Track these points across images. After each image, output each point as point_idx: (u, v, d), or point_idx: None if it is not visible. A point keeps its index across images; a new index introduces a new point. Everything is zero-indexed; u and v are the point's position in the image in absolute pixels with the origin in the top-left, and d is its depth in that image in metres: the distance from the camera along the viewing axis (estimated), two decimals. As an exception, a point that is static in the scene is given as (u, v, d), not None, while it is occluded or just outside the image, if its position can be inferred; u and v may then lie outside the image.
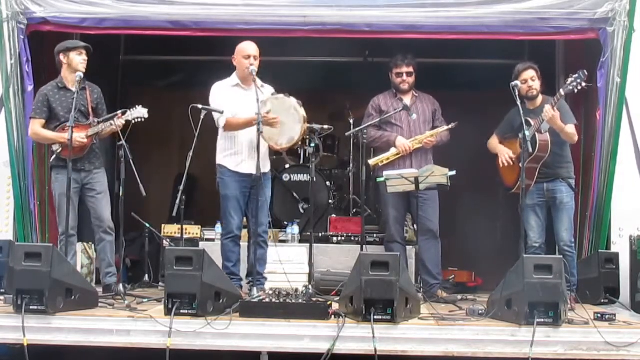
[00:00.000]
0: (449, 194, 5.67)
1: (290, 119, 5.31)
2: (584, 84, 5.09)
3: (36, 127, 5.46)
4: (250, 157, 5.35)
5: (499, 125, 5.80)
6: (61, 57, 5.50)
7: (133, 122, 5.48)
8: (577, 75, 5.08)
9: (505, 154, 5.60)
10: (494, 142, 5.77)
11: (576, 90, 5.13)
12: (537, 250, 5.45)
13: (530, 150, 5.15)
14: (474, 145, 7.17)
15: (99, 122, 5.44)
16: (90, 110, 5.51)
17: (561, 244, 5.40)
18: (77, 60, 5.46)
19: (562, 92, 5.15)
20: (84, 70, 5.47)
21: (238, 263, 5.62)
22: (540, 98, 5.52)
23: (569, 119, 5.42)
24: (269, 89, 5.61)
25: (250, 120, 5.25)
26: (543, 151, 5.34)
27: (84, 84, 5.52)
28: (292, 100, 5.31)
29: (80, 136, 5.34)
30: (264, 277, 5.63)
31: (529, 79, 5.43)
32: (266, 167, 5.66)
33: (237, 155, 5.49)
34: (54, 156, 5.38)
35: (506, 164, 5.56)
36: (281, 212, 7.14)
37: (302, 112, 5.28)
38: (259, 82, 5.52)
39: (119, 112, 5.46)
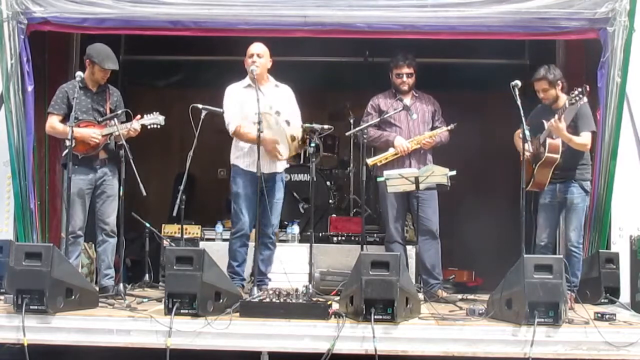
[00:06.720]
0: (449, 194, 5.66)
1: (281, 137, 5.32)
2: (585, 99, 5.09)
3: (54, 121, 5.44)
4: (262, 157, 5.27)
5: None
6: (88, 62, 5.50)
7: (148, 127, 5.50)
8: (580, 89, 5.07)
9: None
10: (516, 139, 5.69)
11: (579, 105, 5.13)
12: (542, 249, 5.49)
13: (533, 150, 5.14)
14: (473, 145, 7.17)
15: (113, 119, 5.43)
16: (108, 111, 5.52)
17: (568, 244, 5.43)
18: (98, 75, 5.49)
19: (566, 104, 5.15)
20: (103, 83, 5.53)
21: (243, 264, 5.63)
22: (563, 98, 5.39)
23: (584, 126, 5.38)
24: (284, 88, 5.66)
25: (255, 140, 5.23)
26: (554, 152, 5.31)
27: (105, 87, 5.58)
28: (279, 119, 5.28)
29: (94, 132, 5.36)
30: (268, 277, 5.66)
31: (540, 91, 5.44)
32: (279, 168, 5.68)
33: (249, 156, 5.50)
34: (67, 152, 5.21)
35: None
36: (281, 211, 7.13)
37: (289, 130, 5.25)
38: (272, 81, 5.64)
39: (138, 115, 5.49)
